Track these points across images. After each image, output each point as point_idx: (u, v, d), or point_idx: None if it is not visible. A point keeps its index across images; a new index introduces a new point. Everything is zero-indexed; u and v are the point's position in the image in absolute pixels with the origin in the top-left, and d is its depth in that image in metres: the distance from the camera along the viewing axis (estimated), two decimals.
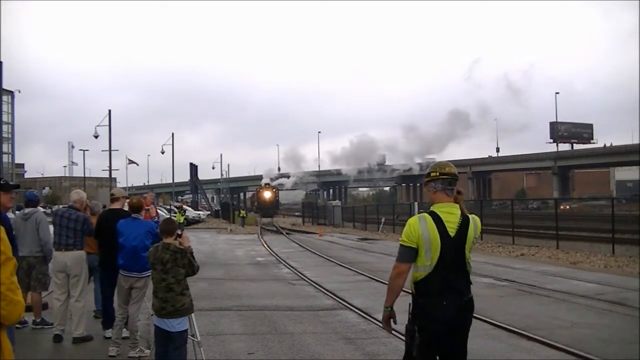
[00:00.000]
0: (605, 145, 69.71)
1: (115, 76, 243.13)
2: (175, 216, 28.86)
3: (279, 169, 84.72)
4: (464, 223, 3.59)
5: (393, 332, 4.07)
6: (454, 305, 3.52)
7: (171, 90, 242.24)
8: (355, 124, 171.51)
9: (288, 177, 70.51)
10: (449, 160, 3.92)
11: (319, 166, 77.71)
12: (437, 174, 3.70)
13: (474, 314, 3.73)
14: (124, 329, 6.42)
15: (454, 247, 3.54)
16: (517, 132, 70.14)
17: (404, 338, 3.65)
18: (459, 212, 3.63)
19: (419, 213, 3.75)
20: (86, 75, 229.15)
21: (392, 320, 3.69)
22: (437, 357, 3.58)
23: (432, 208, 3.67)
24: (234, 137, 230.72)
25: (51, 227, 7.21)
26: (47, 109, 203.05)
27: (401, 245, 3.61)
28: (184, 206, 41.92)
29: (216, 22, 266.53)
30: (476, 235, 3.70)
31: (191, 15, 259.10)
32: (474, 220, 3.68)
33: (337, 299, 10.22)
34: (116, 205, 7.08)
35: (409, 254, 3.56)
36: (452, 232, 3.55)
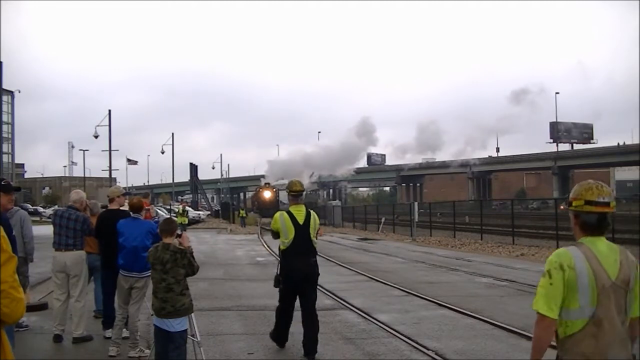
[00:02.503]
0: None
1: (116, 76, 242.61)
2: (176, 217, 28.78)
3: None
4: (308, 215, 6.28)
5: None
6: (303, 264, 6.22)
7: (172, 91, 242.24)
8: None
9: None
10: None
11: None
12: (288, 191, 6.47)
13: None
14: (124, 329, 6.42)
15: (302, 229, 6.20)
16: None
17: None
18: (304, 209, 6.34)
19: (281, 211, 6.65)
20: (86, 75, 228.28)
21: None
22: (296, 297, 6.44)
23: (289, 208, 6.36)
24: (236, 137, 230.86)
25: (51, 227, 7.19)
26: (47, 109, 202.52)
27: (270, 229, 6.63)
28: (186, 207, 41.82)
29: (220, 22, 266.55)
30: (317, 223, 6.39)
31: (196, 16, 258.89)
32: (314, 214, 6.40)
33: (337, 299, 10.21)
34: (113, 206, 7.08)
35: (273, 234, 6.51)
36: (301, 221, 6.22)
